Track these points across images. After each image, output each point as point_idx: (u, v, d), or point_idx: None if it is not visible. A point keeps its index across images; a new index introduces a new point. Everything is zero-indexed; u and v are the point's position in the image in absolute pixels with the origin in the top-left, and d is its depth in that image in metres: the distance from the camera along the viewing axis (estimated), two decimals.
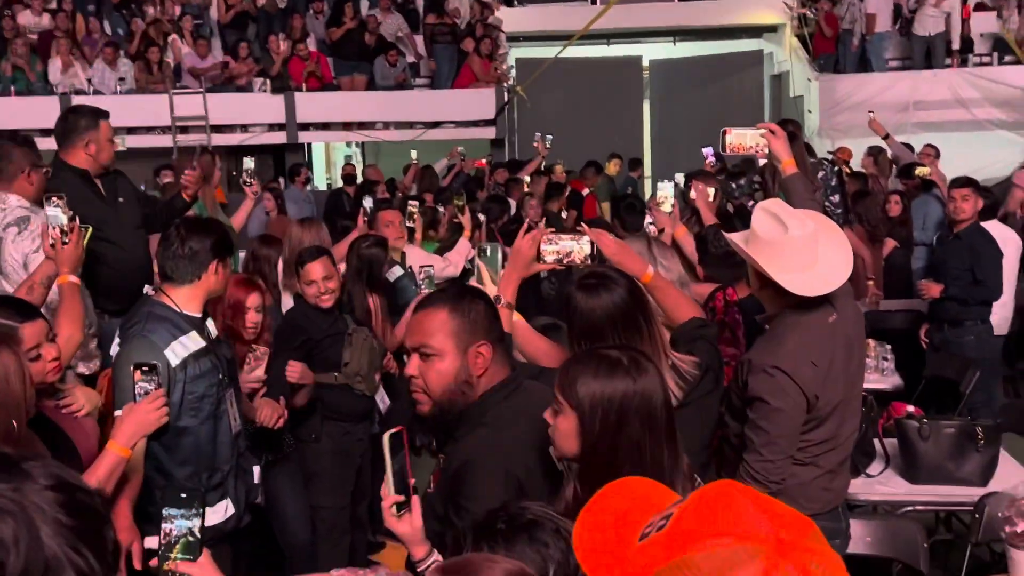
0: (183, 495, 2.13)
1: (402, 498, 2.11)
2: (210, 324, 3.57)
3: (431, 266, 5.45)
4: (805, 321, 3.07)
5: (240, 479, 3.64)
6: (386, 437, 2.10)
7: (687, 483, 2.09)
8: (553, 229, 3.09)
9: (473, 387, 2.38)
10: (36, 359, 2.88)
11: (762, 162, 5.38)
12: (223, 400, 3.52)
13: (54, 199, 3.60)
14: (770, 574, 1.05)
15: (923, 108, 14.30)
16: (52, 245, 3.59)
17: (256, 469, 3.85)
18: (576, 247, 3.00)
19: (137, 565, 3.19)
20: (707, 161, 8.52)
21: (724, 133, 3.62)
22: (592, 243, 3.00)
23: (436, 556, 2.14)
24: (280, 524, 4.60)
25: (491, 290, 3.09)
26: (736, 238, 3.18)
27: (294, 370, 4.42)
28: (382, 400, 5.05)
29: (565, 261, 3.01)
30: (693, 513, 1.12)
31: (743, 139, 3.60)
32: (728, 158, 4.11)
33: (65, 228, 3.58)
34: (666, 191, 5.05)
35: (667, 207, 4.90)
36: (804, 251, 3.01)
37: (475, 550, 1.72)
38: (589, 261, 2.99)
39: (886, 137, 9.68)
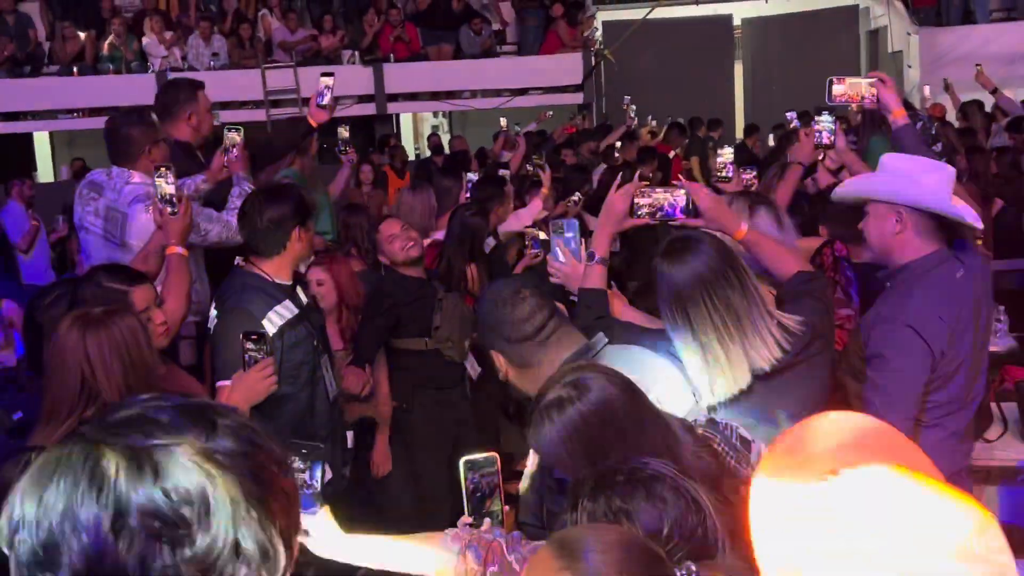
0: (304, 450, 2.16)
1: (470, 520, 2.07)
2: (300, 291, 3.57)
3: (536, 227, 5.37)
4: (931, 275, 2.90)
5: (337, 444, 3.64)
6: (461, 461, 2.09)
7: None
8: (647, 183, 2.98)
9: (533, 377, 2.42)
10: (146, 322, 2.91)
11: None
12: (319, 366, 3.53)
13: (163, 170, 3.61)
14: None
15: None
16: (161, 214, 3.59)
17: (350, 434, 3.83)
18: (671, 200, 2.89)
19: None
20: (791, 125, 8.27)
21: (831, 83, 3.47)
22: (688, 196, 2.89)
23: None
24: (381, 489, 4.60)
25: (567, 268, 3.05)
26: (853, 184, 3.02)
27: (357, 379, 4.35)
28: (472, 367, 4.96)
29: (659, 215, 2.91)
30: None
31: (851, 88, 3.45)
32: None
33: (173, 199, 3.56)
34: (725, 157, 4.90)
35: (724, 173, 4.77)
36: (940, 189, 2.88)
37: (592, 502, 1.67)
38: (684, 215, 2.88)
39: (994, 91, 9.27)
